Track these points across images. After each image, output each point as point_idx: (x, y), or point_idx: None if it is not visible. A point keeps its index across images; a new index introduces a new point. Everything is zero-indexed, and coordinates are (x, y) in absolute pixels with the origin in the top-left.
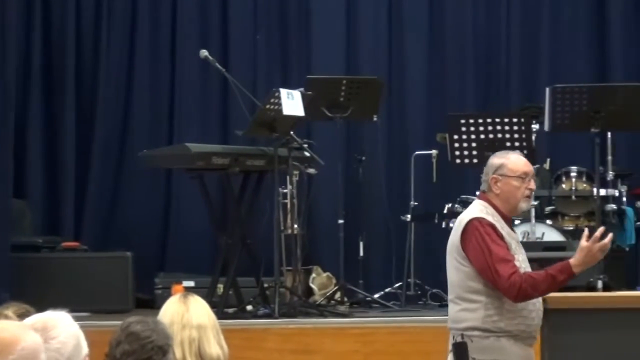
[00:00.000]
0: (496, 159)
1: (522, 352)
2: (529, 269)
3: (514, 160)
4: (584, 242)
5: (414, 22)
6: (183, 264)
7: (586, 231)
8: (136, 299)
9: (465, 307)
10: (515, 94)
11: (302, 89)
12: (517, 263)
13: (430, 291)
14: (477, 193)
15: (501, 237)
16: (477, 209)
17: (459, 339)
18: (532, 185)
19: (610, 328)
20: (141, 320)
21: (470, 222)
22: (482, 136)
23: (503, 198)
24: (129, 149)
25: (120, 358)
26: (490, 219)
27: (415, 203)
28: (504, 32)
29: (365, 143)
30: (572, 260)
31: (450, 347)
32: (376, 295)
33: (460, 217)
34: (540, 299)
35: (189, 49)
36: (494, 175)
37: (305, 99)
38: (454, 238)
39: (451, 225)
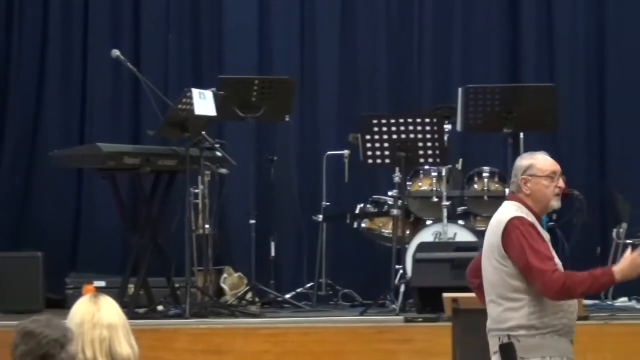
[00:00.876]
0: (524, 161)
1: (566, 347)
2: (562, 269)
3: (541, 160)
4: (628, 253)
5: (326, 22)
6: (94, 264)
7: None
8: (47, 299)
9: (508, 306)
10: (427, 94)
11: (214, 89)
12: (556, 260)
13: (341, 291)
14: (506, 194)
15: (541, 235)
16: (512, 209)
17: (505, 340)
18: (561, 183)
19: None
20: (34, 319)
21: (510, 222)
22: (395, 136)
23: (534, 198)
24: (40, 148)
25: (21, 359)
26: (528, 217)
27: (327, 203)
28: (417, 32)
29: (277, 143)
30: (615, 267)
31: (495, 348)
32: (287, 296)
33: (497, 218)
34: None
35: (100, 49)
36: (524, 176)
37: (217, 99)
38: (493, 239)
39: (363, 225)
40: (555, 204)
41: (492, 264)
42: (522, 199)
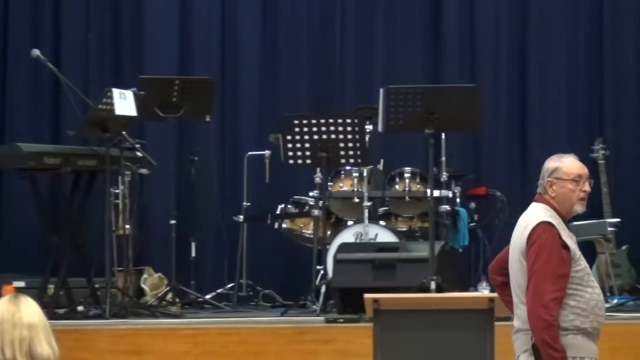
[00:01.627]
0: (552, 163)
1: (595, 348)
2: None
3: (568, 164)
4: None
5: (247, 22)
6: (13, 264)
7: None
8: None
9: None
10: (349, 94)
11: (134, 89)
12: (580, 266)
13: (262, 292)
14: (536, 195)
15: (565, 246)
16: (541, 211)
17: None
18: (587, 187)
19: (442, 329)
20: None
21: (538, 226)
22: (316, 137)
23: (559, 201)
24: None
25: None
26: (553, 221)
27: (248, 203)
28: (338, 32)
29: (198, 143)
30: None
31: (526, 347)
32: (208, 296)
33: (525, 219)
34: (602, 298)
35: (20, 48)
36: (549, 179)
37: (137, 99)
38: (520, 240)
39: (284, 225)
40: (580, 208)
41: (518, 265)
42: (548, 201)
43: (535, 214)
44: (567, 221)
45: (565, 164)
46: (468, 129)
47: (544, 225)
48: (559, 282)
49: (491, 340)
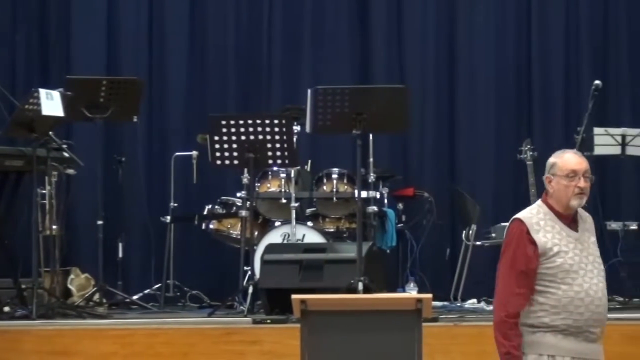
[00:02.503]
0: (552, 159)
1: (575, 347)
2: (588, 263)
3: (564, 159)
4: None
5: (175, 23)
6: None
7: None
8: None
9: None
10: (276, 95)
11: (61, 89)
12: (554, 263)
13: (189, 293)
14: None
15: (533, 242)
16: (528, 209)
17: None
18: (582, 183)
19: (370, 329)
20: None
21: (511, 222)
22: (243, 137)
23: (555, 197)
24: None
25: None
26: (534, 219)
27: (175, 204)
28: (266, 33)
29: (125, 144)
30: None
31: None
32: (135, 297)
33: None
34: (597, 294)
35: None
36: (547, 175)
37: (64, 100)
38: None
39: (211, 226)
40: (576, 203)
41: None
42: (547, 198)
43: (523, 210)
44: (572, 217)
45: (562, 160)
46: (396, 130)
47: (515, 222)
48: (521, 279)
49: (419, 341)
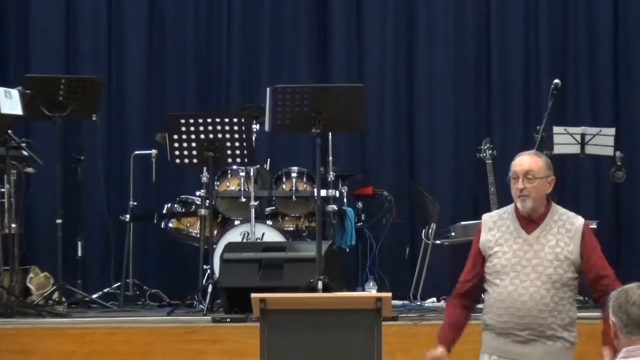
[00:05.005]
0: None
1: (503, 346)
2: (527, 266)
3: (514, 161)
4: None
5: (133, 21)
6: None
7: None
8: None
9: None
10: (235, 93)
11: (20, 88)
12: (491, 262)
13: (149, 291)
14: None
15: (476, 246)
16: (505, 207)
17: None
18: (520, 184)
19: (330, 328)
20: None
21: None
22: (202, 136)
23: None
24: None
25: None
26: (495, 217)
27: (134, 203)
28: (225, 31)
29: (84, 142)
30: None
31: None
32: (95, 296)
33: None
34: (521, 297)
35: None
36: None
37: (23, 98)
38: None
39: (170, 225)
40: (519, 204)
41: None
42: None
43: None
44: (531, 218)
45: (513, 162)
46: (352, 129)
47: (483, 218)
48: (465, 274)
49: (378, 340)
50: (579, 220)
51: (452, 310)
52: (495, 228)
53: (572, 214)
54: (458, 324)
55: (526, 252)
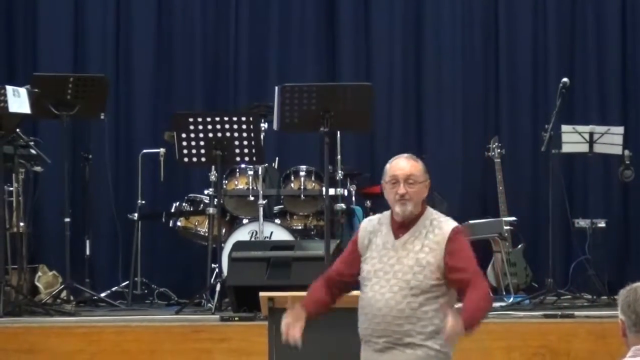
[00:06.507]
0: (387, 165)
1: (365, 355)
2: (388, 272)
3: (391, 164)
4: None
5: (141, 20)
6: None
7: None
8: None
9: None
10: (243, 92)
11: (28, 86)
12: (362, 269)
13: (157, 290)
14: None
15: (355, 242)
16: (380, 214)
17: None
18: (402, 189)
19: (338, 327)
20: None
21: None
22: (210, 135)
23: (389, 202)
24: None
25: None
26: (375, 222)
27: (143, 202)
28: (233, 29)
29: (92, 141)
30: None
31: None
32: (103, 294)
33: None
34: (378, 304)
35: None
36: (382, 183)
37: (31, 97)
38: None
39: (179, 223)
40: (398, 209)
41: None
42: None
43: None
44: (403, 223)
45: (389, 165)
46: (360, 127)
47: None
48: (333, 265)
49: None
50: (449, 225)
51: (319, 288)
52: (373, 232)
53: (445, 218)
54: (321, 304)
55: (390, 258)
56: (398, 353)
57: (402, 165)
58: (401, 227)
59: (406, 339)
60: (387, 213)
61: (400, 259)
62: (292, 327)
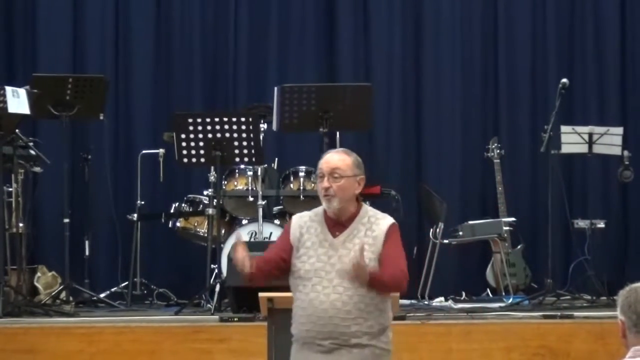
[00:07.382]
0: None
1: (306, 358)
2: (331, 272)
3: (322, 159)
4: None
5: (140, 20)
6: None
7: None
8: None
9: None
10: (243, 93)
11: (27, 87)
12: (295, 266)
13: (156, 291)
14: None
15: (287, 232)
16: (317, 208)
17: None
18: (325, 183)
19: None
20: None
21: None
22: (210, 135)
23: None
24: None
25: None
26: (304, 219)
27: (142, 202)
28: (232, 30)
29: (91, 142)
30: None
31: None
32: (102, 295)
33: None
34: (322, 305)
35: None
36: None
37: (31, 97)
38: None
39: (178, 224)
40: (326, 205)
41: None
42: None
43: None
44: (338, 220)
45: (321, 160)
46: (360, 128)
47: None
48: (266, 252)
49: None
50: (386, 221)
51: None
52: (304, 228)
53: (382, 215)
54: (269, 264)
55: (331, 257)
56: (345, 353)
57: (329, 158)
58: (337, 224)
59: (353, 340)
60: (319, 210)
61: (341, 257)
62: (247, 258)
